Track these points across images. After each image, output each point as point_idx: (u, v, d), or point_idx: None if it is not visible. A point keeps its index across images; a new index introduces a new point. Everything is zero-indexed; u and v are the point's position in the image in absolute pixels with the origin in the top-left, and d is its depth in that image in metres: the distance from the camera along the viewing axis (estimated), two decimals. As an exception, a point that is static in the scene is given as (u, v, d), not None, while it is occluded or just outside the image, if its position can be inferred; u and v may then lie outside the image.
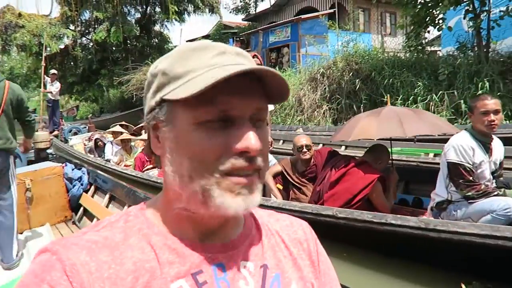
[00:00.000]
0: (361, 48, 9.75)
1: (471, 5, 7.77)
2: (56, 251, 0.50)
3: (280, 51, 18.90)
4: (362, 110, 8.70)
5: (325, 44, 16.40)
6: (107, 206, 3.94)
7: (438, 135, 5.57)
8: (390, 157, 3.42)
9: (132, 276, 0.51)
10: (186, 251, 0.55)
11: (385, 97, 8.22)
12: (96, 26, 19.30)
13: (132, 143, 6.49)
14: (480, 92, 6.88)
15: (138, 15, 20.51)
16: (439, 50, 11.54)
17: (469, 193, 2.65)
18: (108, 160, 6.29)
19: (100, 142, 7.21)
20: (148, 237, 0.55)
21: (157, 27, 21.15)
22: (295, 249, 0.66)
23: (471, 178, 2.66)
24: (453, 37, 8.76)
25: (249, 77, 0.53)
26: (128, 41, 19.58)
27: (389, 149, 3.42)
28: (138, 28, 19.75)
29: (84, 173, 4.49)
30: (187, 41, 26.51)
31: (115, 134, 7.15)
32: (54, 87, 11.36)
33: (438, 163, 3.71)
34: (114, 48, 19.54)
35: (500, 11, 7.51)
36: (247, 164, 0.52)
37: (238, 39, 24.71)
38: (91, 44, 19.44)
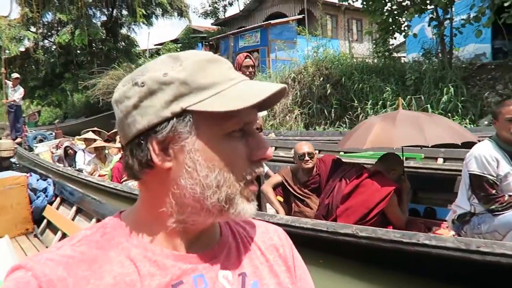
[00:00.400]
0: (330, 54, 9.90)
1: (434, 13, 8.08)
2: (31, 268, 0.49)
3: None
4: (333, 115, 8.83)
5: (294, 49, 16.60)
6: (73, 219, 3.76)
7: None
8: (403, 166, 3.16)
9: None
10: (166, 262, 0.55)
11: (355, 101, 8.44)
12: (59, 28, 18.59)
13: (107, 151, 6.08)
14: (445, 97, 7.13)
15: (104, 18, 19.95)
16: (404, 56, 11.91)
17: (493, 206, 2.47)
18: (80, 170, 5.84)
19: (70, 150, 6.71)
20: (127, 251, 0.55)
21: (123, 30, 20.63)
22: (271, 256, 0.67)
23: (494, 191, 2.47)
24: (418, 44, 9.06)
25: None
26: (94, 44, 19.00)
27: (402, 157, 3.21)
28: (104, 31, 19.19)
29: (49, 184, 4.25)
30: (155, 45, 26.13)
31: (88, 141, 6.61)
32: (18, 93, 10.53)
33: (451, 170, 3.67)
34: (78, 52, 18.89)
35: (462, 19, 7.84)
36: (259, 170, 0.57)
37: (207, 43, 24.61)
38: (54, 47, 18.72)
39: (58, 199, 4.18)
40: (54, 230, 3.83)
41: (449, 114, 6.85)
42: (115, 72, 15.01)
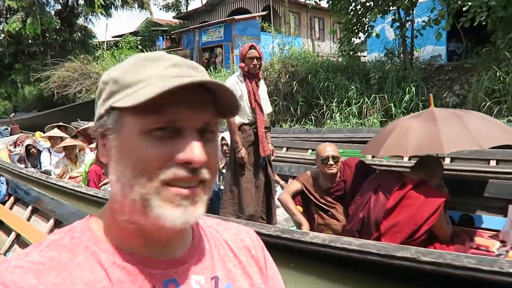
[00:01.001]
0: (296, 51, 9.93)
1: (397, 14, 8.32)
2: None
3: (213, 51, 18.69)
4: (299, 112, 8.87)
5: (259, 46, 16.53)
6: (28, 219, 3.60)
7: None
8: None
9: None
10: (136, 268, 0.54)
11: (320, 99, 8.53)
12: (8, 16, 17.46)
13: (78, 150, 5.34)
14: (407, 96, 7.37)
15: (58, 7, 18.95)
16: (365, 56, 12.20)
17: None
18: (46, 172, 5.10)
19: (33, 149, 5.86)
20: (96, 255, 0.54)
21: (80, 21, 19.70)
22: (243, 257, 0.67)
23: None
24: (380, 44, 9.30)
25: (200, 90, 0.54)
26: (47, 34, 18.00)
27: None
28: (59, 20, 18.21)
29: (2, 183, 4.07)
30: (113, 37, 25.15)
31: (53, 139, 5.62)
32: None
33: (486, 172, 3.41)
34: (30, 41, 17.83)
35: (423, 21, 8.13)
36: (190, 175, 0.52)
37: (168, 37, 24.02)
38: (3, 35, 17.54)
39: (12, 198, 4.01)
40: (7, 231, 3.63)
41: (412, 113, 7.07)
42: (71, 64, 14.28)
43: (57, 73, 14.15)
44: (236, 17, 17.82)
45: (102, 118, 0.56)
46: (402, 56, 8.47)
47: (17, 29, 15.92)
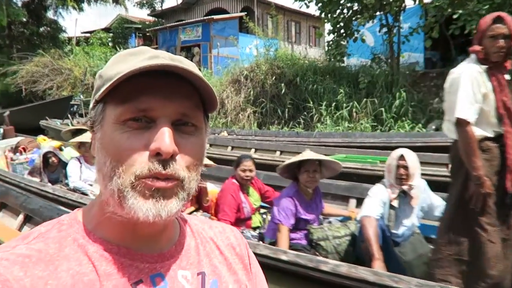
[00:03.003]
0: (282, 53, 9.82)
1: (384, 20, 8.38)
2: None
3: (190, 50, 18.30)
4: (286, 115, 8.75)
5: (236, 46, 16.36)
6: None
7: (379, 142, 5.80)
8: None
9: None
10: (124, 262, 0.54)
11: (309, 102, 8.44)
12: (-30, 5, 16.29)
13: None
14: (397, 101, 7.41)
15: (25, -2, 17.91)
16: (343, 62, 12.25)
17: None
18: (76, 190, 3.88)
19: (53, 159, 4.40)
20: (84, 248, 0.53)
21: (49, 14, 18.73)
22: (229, 254, 0.68)
23: None
24: (359, 49, 9.31)
25: (178, 81, 0.53)
26: (13, 27, 16.96)
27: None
28: (26, 12, 17.22)
29: None
30: (82, 33, 24.17)
31: (85, 147, 4.15)
32: None
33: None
34: (-6, 34, 16.74)
35: (410, 27, 8.23)
36: (160, 168, 0.51)
37: (140, 35, 23.34)
38: (-36, 26, 16.36)
39: None
40: None
41: (404, 118, 7.11)
42: (41, 58, 13.50)
43: (25, 68, 13.33)
44: (215, 16, 17.55)
45: (91, 112, 0.57)
46: (390, 61, 8.53)
47: (-20, 20, 14.90)
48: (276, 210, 2.59)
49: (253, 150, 6.53)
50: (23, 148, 5.52)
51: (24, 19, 17.07)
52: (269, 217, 3.18)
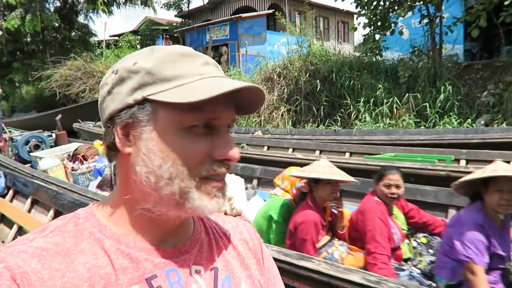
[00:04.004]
0: (316, 49, 9.49)
1: (425, 10, 7.92)
2: (3, 259, 0.48)
3: (218, 49, 18.23)
4: (321, 113, 8.44)
5: (264, 44, 16.12)
6: (29, 211, 3.57)
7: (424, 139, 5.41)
8: None
9: (88, 284, 0.50)
10: (139, 256, 0.55)
11: (346, 99, 8.09)
12: (6, 12, 16.80)
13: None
14: (442, 95, 6.96)
15: (57, 4, 18.31)
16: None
17: None
18: None
19: None
20: (100, 242, 0.55)
21: (80, 18, 19.08)
22: (242, 249, 0.69)
23: None
24: (398, 42, 8.87)
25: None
26: (46, 32, 17.36)
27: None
28: (58, 17, 17.60)
29: (0, 176, 4.00)
30: (110, 36, 24.57)
31: None
32: None
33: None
34: (29, 39, 17.18)
35: (454, 17, 7.75)
36: (226, 170, 0.57)
37: (167, 36, 23.49)
38: (0, 33, 16.89)
39: (11, 191, 3.96)
40: (9, 223, 3.63)
41: (451, 113, 6.68)
42: (74, 62, 13.72)
43: (59, 72, 13.57)
44: (243, 15, 17.37)
45: (130, 108, 0.55)
46: (431, 53, 8.06)
47: (16, 26, 15.28)
48: (460, 243, 1.88)
49: (290, 149, 6.28)
50: (83, 156, 5.05)
51: (56, 24, 17.43)
52: (413, 243, 2.62)
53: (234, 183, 3.56)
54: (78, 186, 3.67)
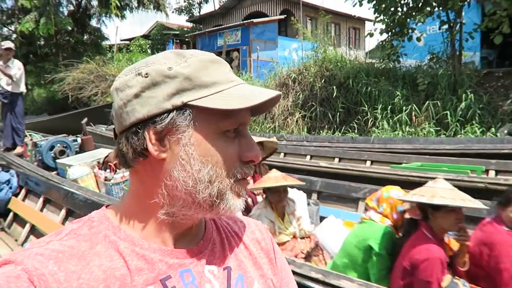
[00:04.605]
0: (331, 54, 9.36)
1: (444, 16, 7.78)
2: (21, 262, 0.49)
3: (229, 54, 18.19)
4: (337, 119, 8.30)
5: (276, 49, 16.03)
6: (41, 210, 3.59)
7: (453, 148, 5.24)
8: None
9: (103, 285, 0.51)
10: (154, 257, 0.56)
11: (363, 105, 7.93)
12: (20, 16, 16.93)
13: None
14: (463, 103, 6.79)
15: (70, 7, 18.43)
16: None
17: None
18: None
19: None
20: (115, 244, 0.55)
21: (93, 22, 19.19)
22: (254, 249, 0.69)
23: None
24: (415, 49, 8.72)
25: None
26: (59, 36, 17.44)
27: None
28: (71, 21, 17.70)
29: (12, 176, 4.05)
30: (121, 40, 24.73)
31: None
32: (15, 68, 5.78)
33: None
34: (42, 43, 17.28)
35: (475, 23, 7.60)
36: (251, 171, 0.59)
37: (178, 41, 23.54)
38: (14, 35, 17.00)
39: (23, 190, 4.01)
40: (22, 222, 3.68)
41: (473, 122, 6.50)
42: (87, 65, 13.73)
43: (72, 75, 13.59)
44: (255, 20, 17.32)
45: (168, 113, 0.54)
46: (451, 60, 7.90)
47: (30, 29, 15.39)
48: None
49: (308, 156, 6.15)
50: (115, 165, 4.50)
51: (70, 28, 17.52)
52: None
53: (297, 198, 2.88)
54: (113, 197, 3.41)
